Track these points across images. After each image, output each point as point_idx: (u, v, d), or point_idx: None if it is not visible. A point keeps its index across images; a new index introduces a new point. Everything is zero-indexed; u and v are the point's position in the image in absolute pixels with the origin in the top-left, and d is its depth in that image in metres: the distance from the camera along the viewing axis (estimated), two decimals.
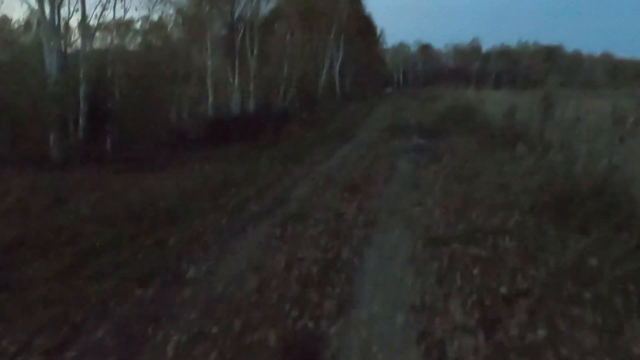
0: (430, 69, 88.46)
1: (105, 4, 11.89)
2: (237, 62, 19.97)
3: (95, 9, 11.97)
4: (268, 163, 10.50)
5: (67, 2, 11.82)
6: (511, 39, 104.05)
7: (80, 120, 11.62)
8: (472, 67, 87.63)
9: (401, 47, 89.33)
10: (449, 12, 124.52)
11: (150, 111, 16.00)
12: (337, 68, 35.71)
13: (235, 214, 6.58)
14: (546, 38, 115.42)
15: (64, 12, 11.68)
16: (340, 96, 36.44)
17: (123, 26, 16.16)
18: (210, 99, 19.91)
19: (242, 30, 21.11)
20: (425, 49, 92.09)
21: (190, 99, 20.83)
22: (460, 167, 9.16)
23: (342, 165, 10.17)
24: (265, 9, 24.63)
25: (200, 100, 21.00)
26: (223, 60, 20.97)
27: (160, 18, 19.65)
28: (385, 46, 76.30)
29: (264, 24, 24.95)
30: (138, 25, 20.88)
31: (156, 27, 21.18)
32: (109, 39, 14.91)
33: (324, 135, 14.88)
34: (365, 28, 45.87)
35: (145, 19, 19.43)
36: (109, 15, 13.79)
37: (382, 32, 63.81)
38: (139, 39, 21.28)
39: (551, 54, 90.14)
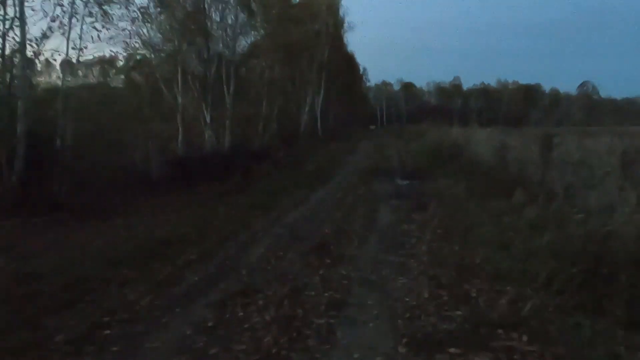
0: (412, 107, 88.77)
1: (46, 32, 10.44)
2: (209, 99, 18.67)
3: (38, 40, 10.47)
4: (228, 212, 9.00)
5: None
6: (491, 78, 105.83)
7: (16, 164, 10.02)
8: (453, 105, 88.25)
9: (384, 85, 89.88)
10: (430, 52, 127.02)
11: (109, 151, 14.52)
12: (318, 105, 34.75)
13: (165, 288, 5.01)
14: (525, 77, 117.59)
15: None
16: (322, 133, 35.37)
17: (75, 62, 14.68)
18: (181, 137, 18.51)
19: (216, 66, 19.95)
20: (408, 87, 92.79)
21: (160, 137, 19.44)
22: (450, 218, 7.73)
23: (314, 215, 8.68)
24: (242, 44, 23.64)
25: (171, 138, 19.63)
26: (196, 96, 19.71)
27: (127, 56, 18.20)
28: (368, 84, 76.57)
29: (242, 60, 23.97)
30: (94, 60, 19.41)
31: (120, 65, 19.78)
32: (60, 74, 13.46)
33: (299, 176, 13.44)
34: (347, 66, 45.51)
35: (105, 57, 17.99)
36: (61, 48, 12.41)
37: (365, 70, 63.84)
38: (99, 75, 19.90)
39: (530, 93, 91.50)
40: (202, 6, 19.33)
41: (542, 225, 6.32)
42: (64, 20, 11.65)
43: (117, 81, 20.11)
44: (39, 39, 11.01)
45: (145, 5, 16.47)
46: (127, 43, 15.95)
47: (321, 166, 16.18)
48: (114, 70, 22.36)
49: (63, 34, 12.26)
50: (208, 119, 18.74)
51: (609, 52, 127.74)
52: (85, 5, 12.37)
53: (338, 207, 9.25)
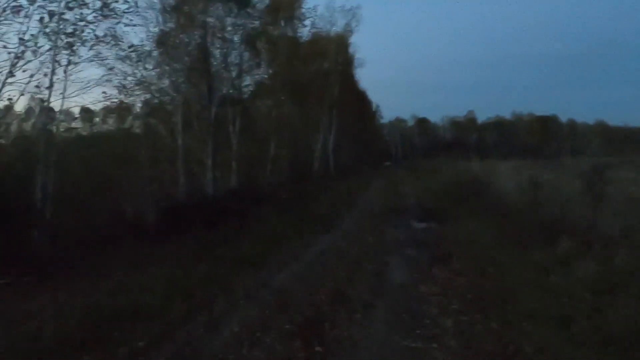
0: (427, 142, 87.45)
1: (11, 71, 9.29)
2: (211, 140, 17.46)
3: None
4: (210, 269, 7.46)
5: None
6: (505, 111, 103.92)
7: None
8: (468, 139, 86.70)
9: (398, 121, 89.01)
10: (444, 86, 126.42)
11: (100, 199, 13.27)
12: (330, 143, 33.53)
13: None
14: (540, 109, 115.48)
15: None
16: (335, 171, 33.99)
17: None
18: (182, 180, 17.25)
19: (220, 105, 18.88)
20: (422, 122, 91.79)
21: (159, 181, 18.24)
22: (481, 275, 6.06)
23: (311, 272, 7.05)
24: (248, 82, 22.69)
25: (173, 181, 18.41)
26: (198, 137, 18.58)
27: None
28: (382, 121, 75.78)
29: (248, 98, 22.98)
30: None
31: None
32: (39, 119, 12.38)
33: (302, 220, 11.88)
34: (359, 103, 44.62)
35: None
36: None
37: (377, 107, 63.07)
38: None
39: (546, 124, 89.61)
40: (205, 45, 18.44)
41: (609, 288, 4.64)
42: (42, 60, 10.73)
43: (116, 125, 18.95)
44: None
45: (140, 43, 15.51)
46: (122, 85, 15.02)
47: (329, 207, 14.61)
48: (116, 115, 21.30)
49: (45, 75, 11.37)
50: (210, 161, 17.47)
51: (624, 81, 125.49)
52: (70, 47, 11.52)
53: (341, 260, 7.62)
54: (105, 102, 14.53)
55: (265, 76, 23.58)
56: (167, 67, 17.46)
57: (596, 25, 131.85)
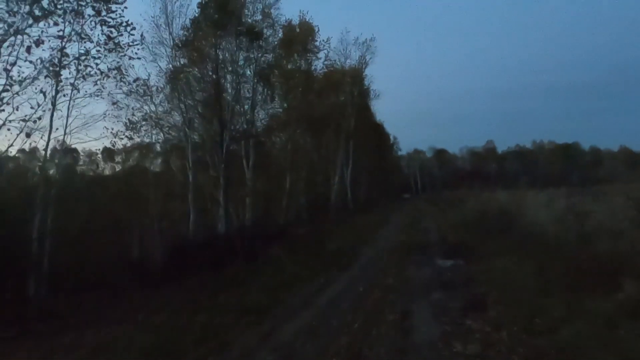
0: (446, 173, 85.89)
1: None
2: (222, 175, 16.74)
3: None
4: (209, 320, 6.49)
5: None
6: (525, 140, 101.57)
7: None
8: (488, 169, 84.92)
9: (416, 153, 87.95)
10: (462, 117, 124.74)
11: (103, 241, 12.56)
12: (347, 176, 32.64)
13: None
14: (561, 137, 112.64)
15: None
16: (353, 205, 32.94)
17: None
18: (192, 217, 16.47)
19: (233, 139, 18.28)
20: (441, 154, 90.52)
21: (169, 218, 17.53)
22: (527, 330, 4.93)
23: (321, 325, 5.98)
24: (262, 116, 22.13)
25: (183, 218, 17.66)
26: (210, 173, 17.89)
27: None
28: (400, 153, 74.89)
29: (262, 132, 22.39)
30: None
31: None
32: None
33: (316, 260, 10.84)
34: (376, 135, 43.89)
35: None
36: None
37: (395, 139, 62.31)
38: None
39: (569, 152, 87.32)
40: (217, 80, 18.00)
41: None
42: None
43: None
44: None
45: (146, 77, 15.11)
46: (129, 121, 14.55)
47: (346, 244, 13.54)
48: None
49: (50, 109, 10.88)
50: (221, 197, 16.69)
51: None
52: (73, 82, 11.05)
53: (358, 308, 6.54)
54: (113, 139, 14.11)
55: (280, 110, 23.09)
56: (178, 103, 17.07)
57: (615, 53, 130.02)
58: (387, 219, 24.00)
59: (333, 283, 8.48)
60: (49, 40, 10.26)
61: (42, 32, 9.99)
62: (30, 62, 9.14)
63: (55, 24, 10.27)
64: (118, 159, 25.30)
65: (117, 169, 21.95)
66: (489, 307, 6.03)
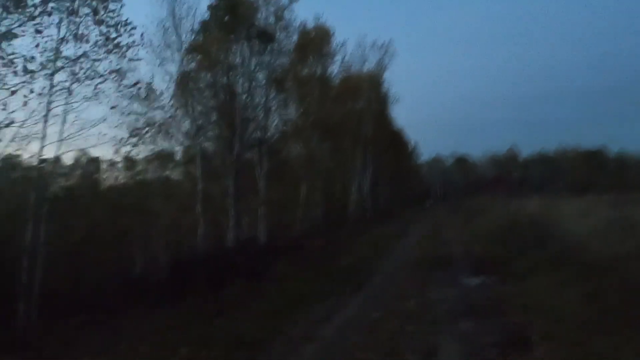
0: (469, 180, 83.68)
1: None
2: (232, 184, 15.78)
3: None
4: (191, 356, 5.44)
5: None
6: (549, 145, 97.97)
7: None
8: (511, 175, 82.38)
9: (437, 160, 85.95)
10: (484, 123, 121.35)
11: (102, 255, 11.67)
12: (366, 183, 31.43)
13: None
14: (586, 142, 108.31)
15: None
16: (372, 214, 31.70)
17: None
18: (201, 230, 15.53)
19: (241, 147, 17.34)
20: (462, 160, 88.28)
21: (176, 231, 16.62)
22: None
23: None
24: (277, 122, 21.14)
25: (192, 230, 16.71)
26: (221, 182, 16.96)
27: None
28: (420, 159, 73.15)
29: (276, 138, 21.41)
30: None
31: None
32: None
33: (328, 277, 9.71)
34: (396, 142, 42.52)
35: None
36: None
37: (415, 146, 60.71)
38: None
39: (594, 158, 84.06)
40: (228, 85, 17.13)
41: None
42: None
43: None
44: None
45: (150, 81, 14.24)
46: (133, 127, 13.72)
47: (362, 258, 12.37)
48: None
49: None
50: (231, 207, 15.72)
51: None
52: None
53: (369, 345, 5.38)
54: (118, 146, 13.29)
55: (294, 116, 22.10)
56: (187, 109, 16.24)
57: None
58: (406, 230, 22.68)
59: (344, 307, 7.33)
60: (45, 41, 9.56)
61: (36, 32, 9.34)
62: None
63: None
64: (138, 167, 24.76)
65: (134, 179, 21.19)
66: (533, 344, 4.82)
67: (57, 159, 11.07)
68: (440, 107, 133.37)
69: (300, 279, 9.38)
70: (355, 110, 30.12)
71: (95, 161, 16.24)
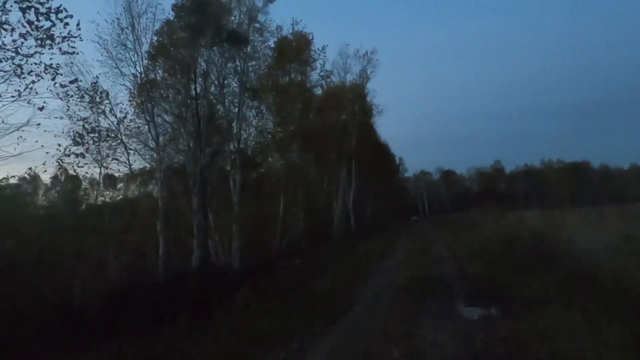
0: (454, 194, 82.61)
1: None
2: (196, 199, 13.94)
3: None
4: None
5: None
6: (534, 159, 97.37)
7: None
8: (497, 189, 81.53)
9: (423, 174, 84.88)
10: (469, 138, 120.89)
11: (34, 283, 9.75)
12: (350, 198, 29.73)
13: None
14: (570, 156, 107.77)
15: None
16: (357, 229, 29.92)
17: None
18: (162, 250, 13.63)
19: (211, 157, 15.56)
20: (448, 175, 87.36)
21: (134, 251, 14.69)
22: None
23: None
24: (253, 133, 19.42)
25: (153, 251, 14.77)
26: (187, 197, 15.11)
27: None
28: (406, 174, 71.93)
29: (252, 149, 19.66)
30: None
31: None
32: None
33: (297, 309, 7.89)
34: (381, 155, 41.01)
35: None
36: None
37: (401, 160, 59.43)
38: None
39: (578, 171, 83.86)
40: (196, 92, 15.40)
41: None
42: None
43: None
44: None
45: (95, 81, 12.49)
46: (76, 132, 11.96)
47: (341, 281, 10.59)
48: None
49: None
50: (195, 224, 13.86)
51: None
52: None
53: None
54: (62, 156, 11.48)
55: (271, 126, 20.39)
56: (146, 116, 14.45)
57: (622, 72, 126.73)
58: (394, 246, 20.95)
59: (312, 351, 5.55)
60: None
61: None
62: None
63: None
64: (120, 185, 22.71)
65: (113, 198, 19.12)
66: None
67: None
68: (425, 122, 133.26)
69: (263, 311, 7.57)
70: (339, 121, 28.60)
71: (34, 178, 14.24)
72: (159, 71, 15.19)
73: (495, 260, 10.63)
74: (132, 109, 14.18)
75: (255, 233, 19.85)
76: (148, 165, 14.63)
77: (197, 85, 15.40)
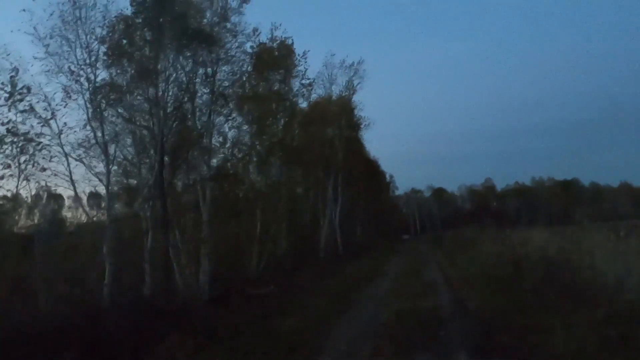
0: (446, 213, 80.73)
1: None
2: (148, 219, 11.81)
3: None
4: None
5: None
6: (524, 177, 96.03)
7: None
8: (489, 207, 79.84)
9: (414, 192, 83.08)
10: (459, 156, 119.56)
11: None
12: (336, 217, 27.63)
13: None
14: (560, 173, 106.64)
15: None
16: (345, 249, 27.72)
17: None
18: (108, 278, 11.41)
19: (174, 170, 13.51)
20: (440, 193, 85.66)
21: (76, 280, 12.46)
22: None
23: None
24: (228, 146, 17.43)
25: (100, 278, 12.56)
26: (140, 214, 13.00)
27: None
28: (397, 193, 69.98)
29: (226, 165, 17.63)
30: None
31: None
32: None
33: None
34: (371, 172, 39.04)
35: None
36: None
37: (392, 177, 57.54)
38: None
39: (568, 188, 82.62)
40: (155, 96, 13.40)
41: None
42: None
43: None
44: None
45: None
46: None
47: (313, 317, 8.43)
48: None
49: None
50: (147, 245, 11.70)
51: None
52: None
53: None
54: None
55: (246, 137, 18.39)
56: (95, 120, 12.37)
57: (612, 91, 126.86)
58: (382, 268, 18.77)
59: None
60: None
61: None
62: None
63: None
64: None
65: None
66: None
67: None
68: (416, 140, 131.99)
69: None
70: (325, 134, 26.70)
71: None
72: (113, 72, 13.21)
73: (501, 289, 8.53)
74: (83, 116, 12.06)
75: (231, 254, 17.69)
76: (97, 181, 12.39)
77: (160, 91, 13.45)
